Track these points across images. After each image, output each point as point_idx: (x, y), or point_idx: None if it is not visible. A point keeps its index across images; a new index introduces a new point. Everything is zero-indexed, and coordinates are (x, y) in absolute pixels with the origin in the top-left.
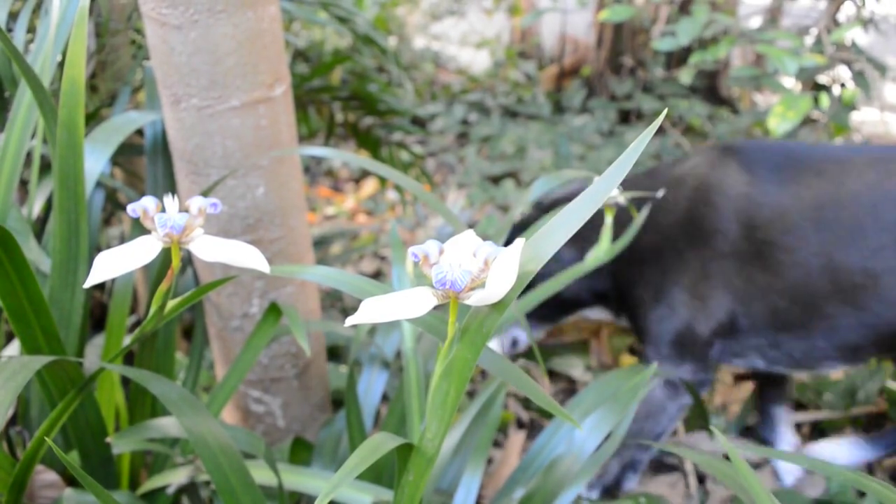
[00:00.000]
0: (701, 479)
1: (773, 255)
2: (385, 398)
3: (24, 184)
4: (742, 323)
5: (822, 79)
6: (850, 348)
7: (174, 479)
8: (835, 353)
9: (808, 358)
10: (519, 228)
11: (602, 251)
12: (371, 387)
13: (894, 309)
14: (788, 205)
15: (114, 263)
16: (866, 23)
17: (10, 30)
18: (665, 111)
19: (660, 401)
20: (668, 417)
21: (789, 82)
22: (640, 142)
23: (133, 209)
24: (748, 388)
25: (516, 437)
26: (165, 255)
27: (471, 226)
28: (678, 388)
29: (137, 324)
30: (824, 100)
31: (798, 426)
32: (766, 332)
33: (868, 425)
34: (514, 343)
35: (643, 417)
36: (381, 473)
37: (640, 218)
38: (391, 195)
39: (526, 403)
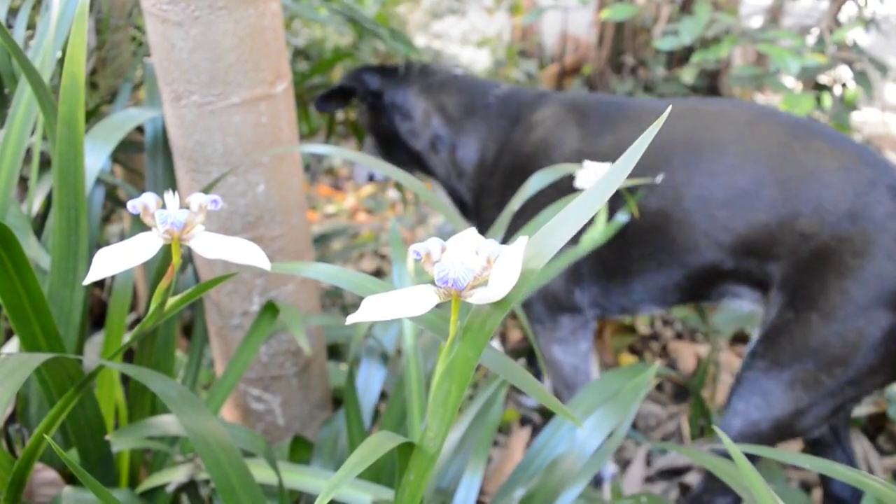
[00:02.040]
0: None
1: None
2: (383, 395)
3: (23, 180)
4: (583, 270)
5: (824, 79)
6: (660, 290)
7: (174, 477)
8: (648, 297)
9: (631, 302)
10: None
11: (597, 232)
12: (370, 381)
13: (685, 247)
14: (601, 151)
15: (114, 260)
16: (868, 23)
17: (10, 26)
18: (668, 110)
19: (562, 362)
20: (580, 372)
21: (790, 82)
22: (641, 141)
23: (133, 205)
24: None
25: (519, 436)
26: (165, 252)
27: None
28: (567, 340)
29: (137, 321)
30: (826, 99)
31: None
32: (597, 280)
33: (868, 425)
34: (371, 178)
35: (563, 388)
36: (380, 472)
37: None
38: (392, 193)
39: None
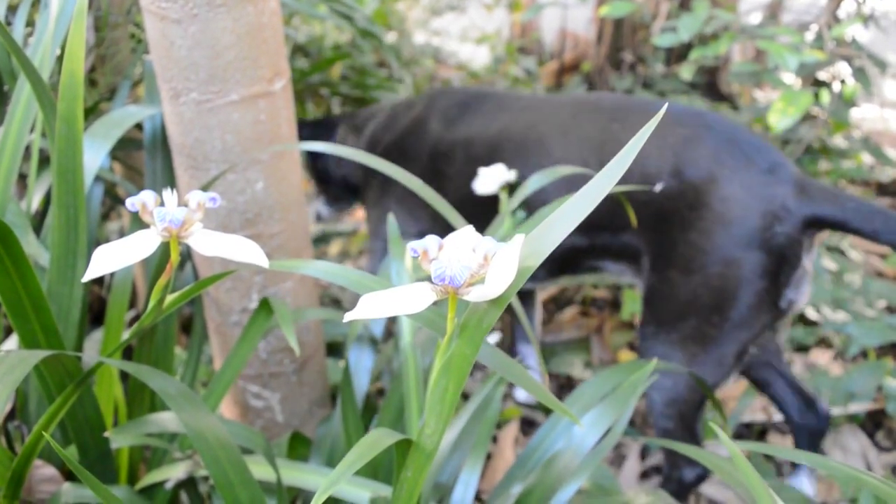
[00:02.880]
0: None
1: (442, 182)
2: (381, 393)
3: (22, 178)
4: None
5: (822, 75)
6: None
7: (173, 474)
8: None
9: None
10: None
11: (506, 230)
12: (359, 368)
13: None
14: (450, 139)
15: (113, 257)
16: (866, 19)
17: (9, 23)
18: (665, 107)
19: None
20: None
21: (789, 78)
22: (639, 137)
23: (132, 203)
24: (744, 383)
25: (509, 430)
26: (164, 249)
27: None
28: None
29: (136, 318)
30: (824, 96)
31: None
32: None
33: (867, 422)
34: (318, 217)
35: None
36: (378, 469)
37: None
38: None
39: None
